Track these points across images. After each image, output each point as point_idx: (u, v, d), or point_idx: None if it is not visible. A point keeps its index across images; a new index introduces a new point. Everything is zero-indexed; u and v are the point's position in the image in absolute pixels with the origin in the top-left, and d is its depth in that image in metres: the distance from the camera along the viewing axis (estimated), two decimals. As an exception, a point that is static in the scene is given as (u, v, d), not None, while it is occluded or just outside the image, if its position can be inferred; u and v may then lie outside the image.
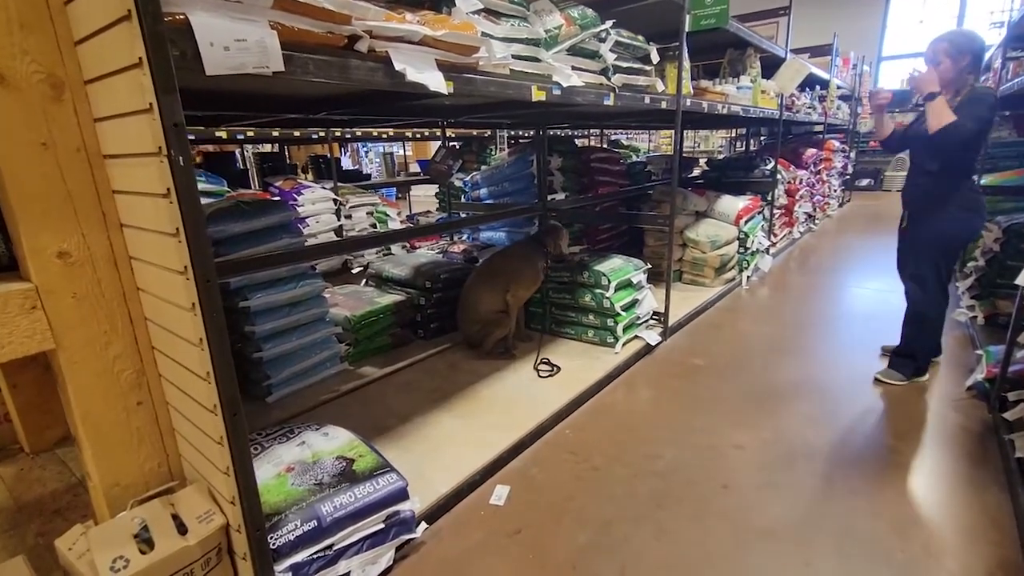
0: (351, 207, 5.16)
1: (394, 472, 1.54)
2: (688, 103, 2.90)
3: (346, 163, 10.32)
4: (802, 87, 4.92)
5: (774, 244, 5.07)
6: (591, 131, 8.23)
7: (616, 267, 2.90)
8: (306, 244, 2.52)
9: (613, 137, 9.61)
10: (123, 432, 1.25)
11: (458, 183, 4.27)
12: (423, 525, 1.59)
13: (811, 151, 6.00)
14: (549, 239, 2.78)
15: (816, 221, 6.50)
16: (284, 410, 2.32)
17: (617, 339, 2.81)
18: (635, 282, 2.92)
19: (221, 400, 1.09)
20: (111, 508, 1.24)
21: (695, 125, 7.18)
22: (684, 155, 8.08)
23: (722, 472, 1.91)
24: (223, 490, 1.15)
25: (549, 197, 3.80)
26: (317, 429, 1.72)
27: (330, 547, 1.35)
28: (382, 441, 2.05)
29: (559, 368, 2.64)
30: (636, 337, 2.94)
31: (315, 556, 1.32)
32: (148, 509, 1.15)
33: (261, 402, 2.36)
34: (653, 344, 2.92)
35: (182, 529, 1.12)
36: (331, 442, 1.65)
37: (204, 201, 3.96)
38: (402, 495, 1.51)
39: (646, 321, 3.08)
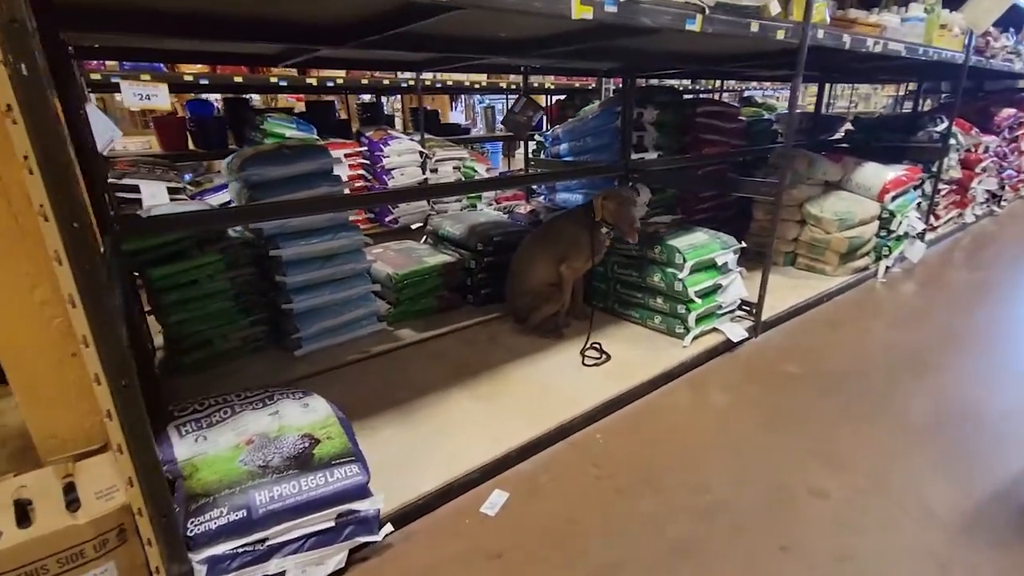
0: (437, 160, 5.01)
1: (357, 464, 1.32)
2: (820, 35, 2.20)
3: (457, 118, 10.25)
4: (1002, 24, 3.69)
5: (932, 228, 4.02)
6: (715, 84, 7.21)
7: (697, 243, 2.38)
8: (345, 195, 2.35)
9: (746, 94, 8.39)
10: (57, 382, 1.16)
11: (538, 137, 3.88)
12: (388, 528, 1.37)
13: (1008, 112, 4.63)
14: (608, 204, 2.32)
15: (1002, 203, 5.09)
16: (311, 365, 2.24)
17: (688, 330, 2.33)
18: (720, 263, 2.38)
19: (104, 369, 0.92)
20: (46, 460, 1.17)
21: (845, 75, 5.87)
22: (830, 114, 6.78)
23: (786, 525, 1.44)
24: (121, 468, 1.00)
25: (640, 156, 3.28)
26: (299, 398, 1.55)
27: (262, 541, 1.18)
28: (386, 416, 1.86)
29: (609, 356, 2.25)
30: (715, 330, 2.43)
31: (240, 550, 1.15)
32: (41, 477, 1.05)
33: (289, 354, 2.30)
34: (736, 340, 2.39)
35: (76, 504, 1.00)
36: (305, 416, 1.47)
37: None
38: (360, 492, 1.29)
39: (731, 312, 2.54)
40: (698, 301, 2.29)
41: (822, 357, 2.37)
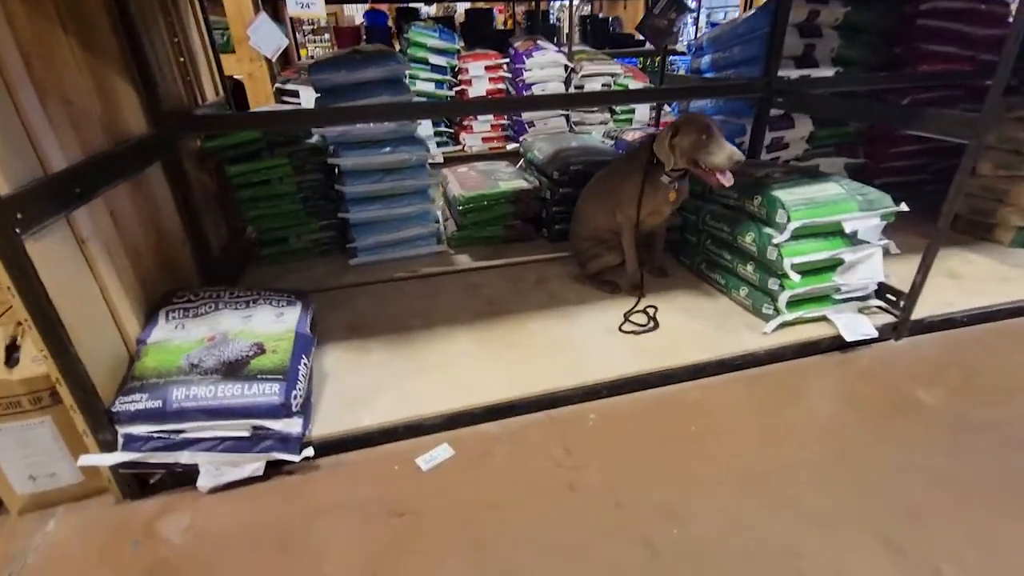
0: (583, 76, 4.54)
1: (279, 384, 1.30)
2: None
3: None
4: None
5: None
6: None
7: (820, 197, 1.71)
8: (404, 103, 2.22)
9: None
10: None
11: (681, 47, 3.16)
12: (309, 451, 1.35)
13: None
14: (682, 142, 1.76)
15: None
16: (359, 276, 2.30)
17: (777, 312, 1.76)
18: (850, 230, 1.69)
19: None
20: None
21: None
22: None
23: (763, 608, 1.03)
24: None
25: (812, 73, 2.47)
26: (280, 306, 1.59)
27: (177, 432, 1.26)
28: (387, 340, 1.82)
29: (657, 325, 1.84)
30: (823, 319, 1.79)
31: (154, 434, 1.24)
32: (-3, 331, 1.22)
33: (345, 261, 2.39)
34: (852, 339, 1.74)
35: (16, 362, 1.16)
36: (270, 325, 1.50)
37: (436, 59, 3.96)
38: (272, 412, 1.28)
39: (861, 299, 1.84)
40: (796, 278, 1.69)
41: (989, 389, 1.59)
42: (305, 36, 6.32)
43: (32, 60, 1.17)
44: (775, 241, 1.70)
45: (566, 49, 4.59)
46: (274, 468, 1.35)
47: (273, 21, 2.52)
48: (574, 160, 2.40)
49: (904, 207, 1.71)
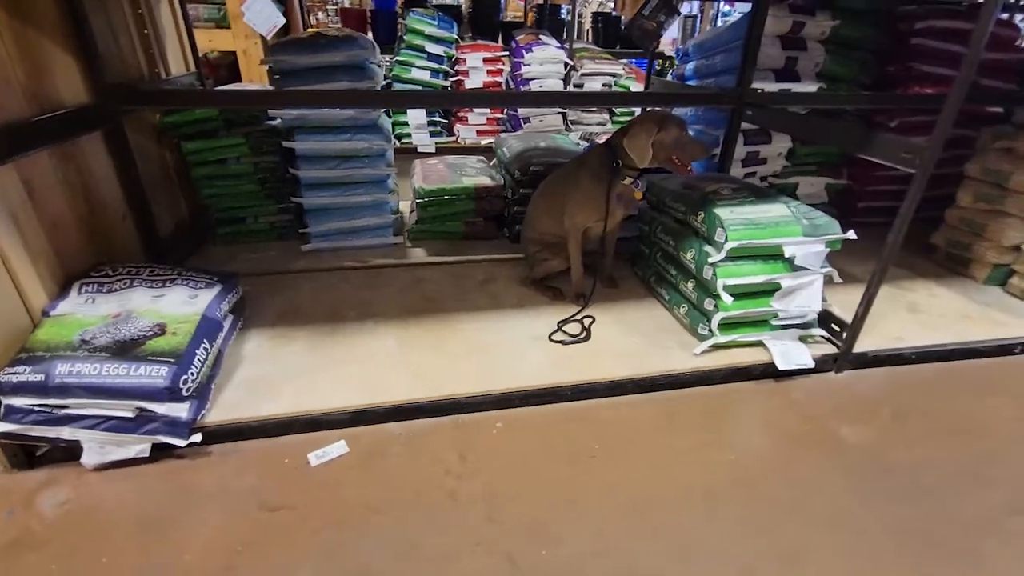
0: (583, 74, 4.46)
1: (168, 367, 1.29)
2: None
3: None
4: None
5: None
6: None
7: (763, 218, 1.64)
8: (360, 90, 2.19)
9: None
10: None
11: (670, 52, 3.07)
12: (197, 437, 1.34)
13: None
14: (625, 141, 1.72)
15: None
16: (309, 262, 2.29)
17: (711, 334, 1.70)
18: (789, 255, 1.62)
19: None
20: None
21: None
22: None
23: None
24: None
25: (792, 87, 2.38)
26: (195, 288, 1.57)
27: (59, 407, 1.26)
28: (313, 329, 1.80)
29: (588, 337, 1.79)
30: (759, 344, 1.73)
31: (35, 407, 1.24)
32: None
33: (297, 246, 2.37)
34: (784, 368, 1.67)
35: None
36: (179, 306, 1.49)
37: (433, 48, 3.85)
38: (157, 395, 1.27)
39: (802, 326, 1.76)
40: (728, 300, 1.62)
41: (918, 432, 1.52)
42: (311, 14, 6.31)
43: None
44: (710, 260, 1.64)
45: (567, 46, 4.51)
46: (164, 450, 1.35)
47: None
48: (536, 160, 2.35)
49: (851, 235, 1.63)
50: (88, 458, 1.30)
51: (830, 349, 1.77)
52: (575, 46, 4.70)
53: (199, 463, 1.35)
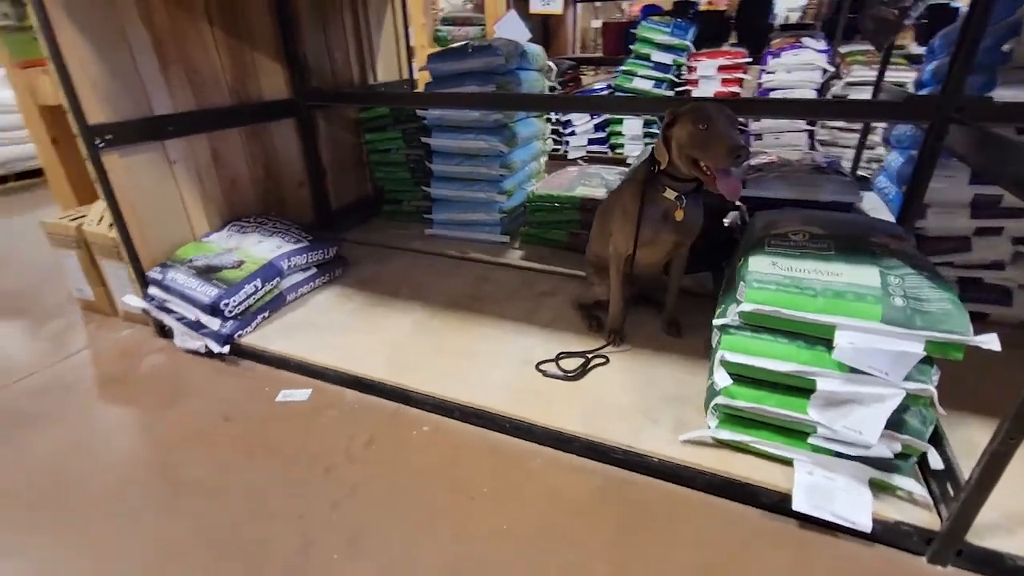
0: (848, 83, 3.56)
1: (220, 291, 1.73)
2: None
3: None
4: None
5: None
6: None
7: (819, 278, 1.10)
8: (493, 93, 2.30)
9: None
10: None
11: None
12: (225, 349, 1.75)
13: None
14: (680, 133, 1.34)
15: None
16: (423, 244, 2.57)
17: (709, 418, 1.24)
18: (842, 344, 1.04)
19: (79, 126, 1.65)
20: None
21: None
22: None
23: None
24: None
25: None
26: (292, 242, 2.01)
27: (166, 301, 1.83)
28: (366, 296, 2.07)
29: (578, 377, 1.53)
30: (788, 463, 1.17)
31: (156, 297, 1.84)
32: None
33: (421, 228, 2.69)
34: (801, 510, 1.10)
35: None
36: (265, 252, 1.93)
37: (660, 56, 3.84)
38: (203, 308, 1.72)
39: (885, 465, 1.11)
40: (722, 380, 1.15)
41: None
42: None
43: (164, 41, 1.83)
44: (717, 321, 1.20)
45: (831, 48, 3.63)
46: (214, 354, 1.81)
47: (521, 19, 2.90)
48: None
49: (989, 342, 0.95)
50: (176, 340, 1.85)
51: (930, 519, 1.07)
52: (848, 48, 3.74)
53: (224, 368, 1.77)
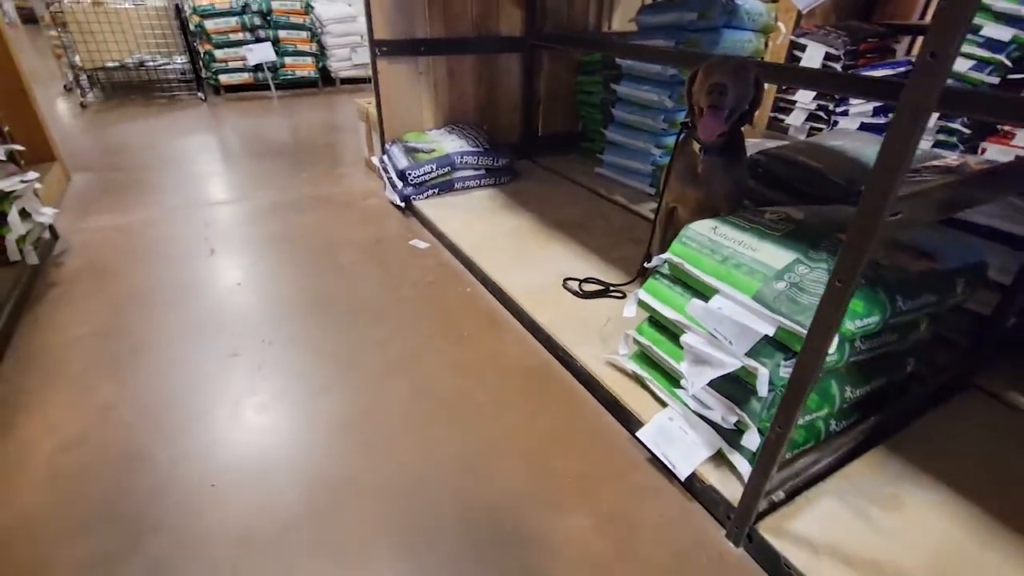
0: None
1: (408, 164, 2.53)
2: None
3: None
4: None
5: None
6: None
7: (739, 249, 1.14)
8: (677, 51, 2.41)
9: None
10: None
11: None
12: (403, 203, 2.57)
13: None
14: (697, 98, 1.39)
15: None
16: (586, 180, 2.93)
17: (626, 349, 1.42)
18: (705, 307, 1.10)
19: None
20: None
21: None
22: None
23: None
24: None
25: None
26: (473, 147, 2.68)
27: (386, 163, 2.74)
28: (500, 204, 2.62)
29: (586, 297, 1.80)
30: (661, 402, 1.29)
31: (386, 157, 2.77)
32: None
33: (591, 165, 3.03)
34: (641, 439, 1.24)
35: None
36: (455, 147, 2.65)
37: (995, 30, 3.20)
38: (398, 175, 2.55)
39: (732, 435, 1.15)
40: (629, 314, 1.31)
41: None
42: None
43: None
44: (649, 264, 1.34)
45: None
46: (399, 209, 2.66)
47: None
48: (770, 152, 1.95)
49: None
50: (386, 192, 2.78)
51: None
52: None
53: (398, 215, 2.60)
